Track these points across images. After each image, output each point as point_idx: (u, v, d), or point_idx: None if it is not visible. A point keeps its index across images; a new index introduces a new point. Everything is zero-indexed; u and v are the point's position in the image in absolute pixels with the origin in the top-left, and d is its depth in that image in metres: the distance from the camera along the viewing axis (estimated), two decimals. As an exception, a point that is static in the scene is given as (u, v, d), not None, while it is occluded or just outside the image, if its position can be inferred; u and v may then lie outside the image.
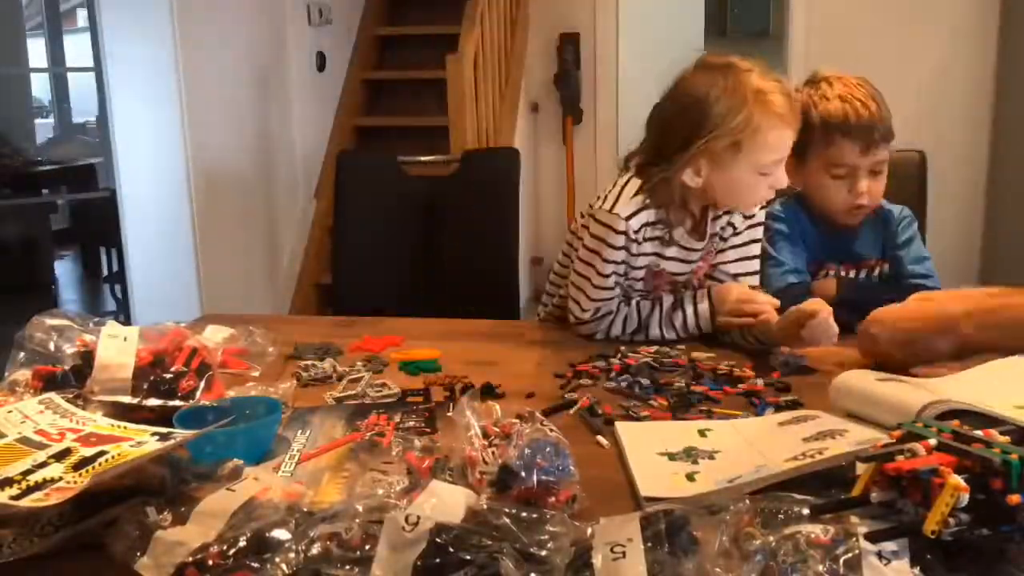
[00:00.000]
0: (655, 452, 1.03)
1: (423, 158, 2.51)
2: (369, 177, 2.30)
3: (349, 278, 2.26)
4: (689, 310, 1.53)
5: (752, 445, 1.02)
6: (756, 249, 1.62)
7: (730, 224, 1.60)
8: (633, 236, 1.51)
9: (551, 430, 0.91)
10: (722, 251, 1.61)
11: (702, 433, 1.09)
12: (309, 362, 1.41)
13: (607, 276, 1.52)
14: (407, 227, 2.25)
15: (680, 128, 1.45)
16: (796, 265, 1.66)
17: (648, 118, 1.55)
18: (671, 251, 1.56)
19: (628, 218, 1.49)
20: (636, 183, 1.52)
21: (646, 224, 1.51)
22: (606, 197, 1.54)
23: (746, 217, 1.60)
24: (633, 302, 1.56)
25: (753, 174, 1.45)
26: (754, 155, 1.43)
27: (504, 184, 2.25)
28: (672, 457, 1.02)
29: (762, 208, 1.60)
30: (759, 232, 1.62)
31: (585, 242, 1.55)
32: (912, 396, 1.00)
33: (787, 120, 1.43)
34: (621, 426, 1.11)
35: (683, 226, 1.55)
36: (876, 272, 1.72)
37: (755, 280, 1.61)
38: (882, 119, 1.66)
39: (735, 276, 1.60)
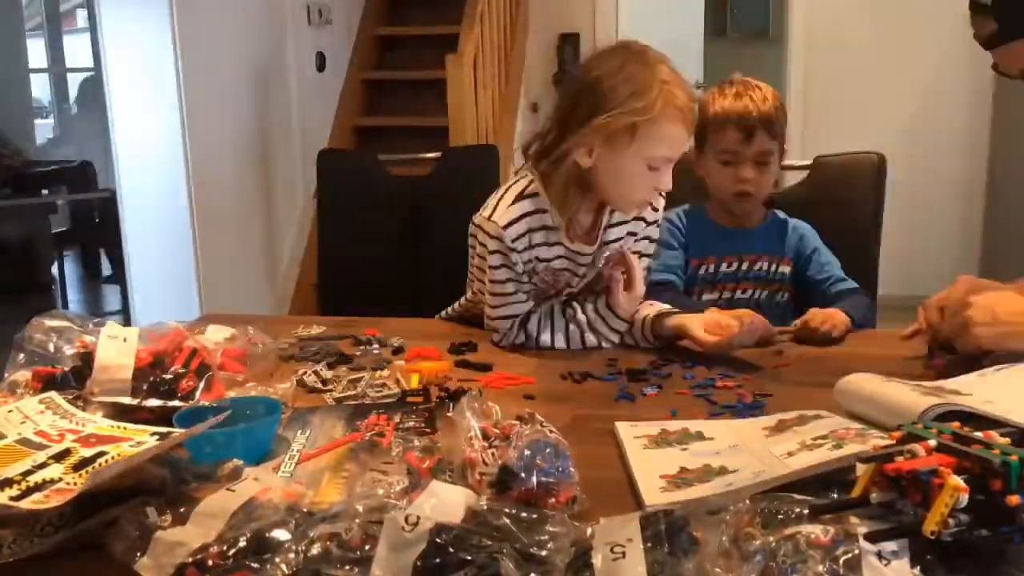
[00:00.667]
0: (656, 455, 1.03)
1: (403, 156, 2.51)
2: (351, 176, 2.30)
3: (335, 278, 2.26)
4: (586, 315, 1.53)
5: (752, 447, 1.02)
6: (648, 250, 1.64)
7: (630, 234, 1.59)
8: (511, 244, 1.49)
9: (551, 431, 0.91)
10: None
11: (701, 435, 1.09)
12: (310, 367, 1.41)
13: (503, 283, 1.52)
14: (390, 225, 2.26)
15: (584, 103, 1.44)
16: (668, 264, 1.79)
17: (557, 99, 1.58)
18: (557, 251, 1.53)
19: (505, 227, 1.49)
20: (518, 188, 1.52)
21: (529, 231, 1.50)
22: (484, 209, 1.55)
23: (647, 223, 1.60)
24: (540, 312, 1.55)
25: (642, 165, 1.43)
26: (647, 143, 1.41)
27: (485, 181, 2.26)
28: (673, 459, 1.02)
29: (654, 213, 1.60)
30: (653, 237, 1.64)
31: (477, 251, 1.58)
32: (922, 401, 1.00)
33: (685, 117, 1.43)
34: (621, 426, 1.11)
35: (572, 228, 1.53)
36: (775, 268, 1.83)
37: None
38: (766, 114, 1.74)
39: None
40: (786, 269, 1.83)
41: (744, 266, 1.82)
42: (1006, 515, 0.68)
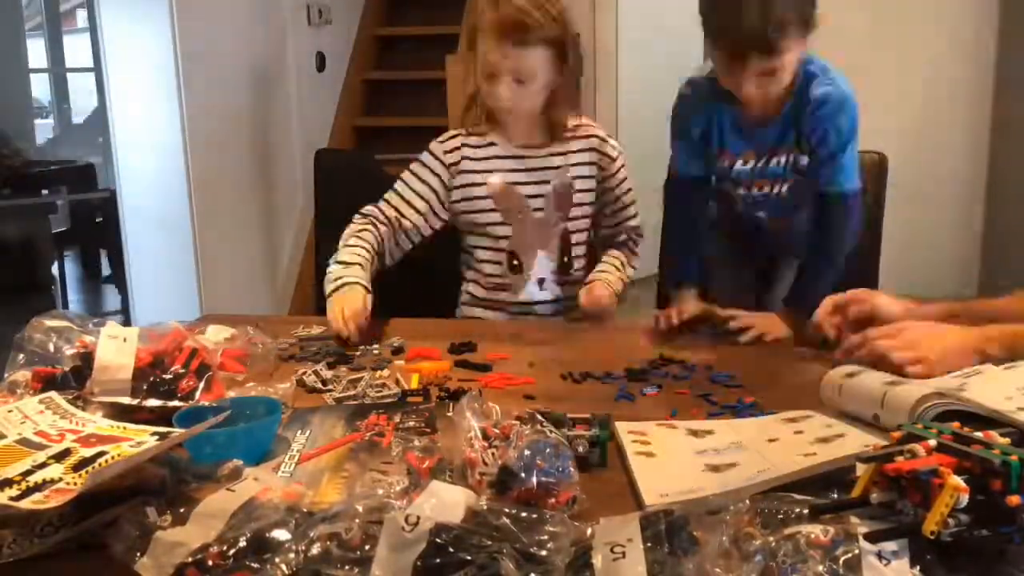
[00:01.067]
0: (657, 455, 1.03)
1: (401, 156, 2.52)
2: (348, 176, 2.30)
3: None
4: None
5: (752, 447, 1.02)
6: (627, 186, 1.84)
7: (599, 152, 1.79)
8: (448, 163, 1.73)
9: (551, 431, 0.91)
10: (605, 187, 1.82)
11: (701, 434, 1.09)
12: (310, 367, 1.41)
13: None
14: None
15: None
16: (690, 158, 1.73)
17: None
18: (507, 164, 1.73)
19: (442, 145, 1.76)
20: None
21: (464, 146, 1.73)
22: None
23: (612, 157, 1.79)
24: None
25: (482, 72, 1.62)
26: (480, 53, 1.61)
27: None
28: (674, 460, 1.02)
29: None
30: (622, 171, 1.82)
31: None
32: (914, 395, 1.00)
33: (496, 32, 1.59)
34: (621, 426, 1.11)
35: (509, 135, 1.75)
36: (793, 160, 1.66)
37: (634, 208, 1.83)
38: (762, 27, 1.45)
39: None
40: (792, 158, 1.65)
41: (760, 164, 1.67)
42: (1006, 515, 0.68)
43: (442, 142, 1.78)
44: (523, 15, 1.58)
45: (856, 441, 0.99)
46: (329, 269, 1.63)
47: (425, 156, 1.77)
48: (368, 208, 1.73)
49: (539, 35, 1.60)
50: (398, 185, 1.77)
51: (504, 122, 1.75)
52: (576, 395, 1.29)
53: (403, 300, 2.17)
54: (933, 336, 1.21)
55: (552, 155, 1.77)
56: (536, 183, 1.75)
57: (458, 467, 0.91)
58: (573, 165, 1.77)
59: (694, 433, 1.09)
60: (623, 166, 1.82)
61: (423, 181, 1.76)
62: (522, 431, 0.90)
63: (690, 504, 0.78)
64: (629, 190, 1.85)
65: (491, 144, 1.76)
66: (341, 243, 1.67)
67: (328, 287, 1.60)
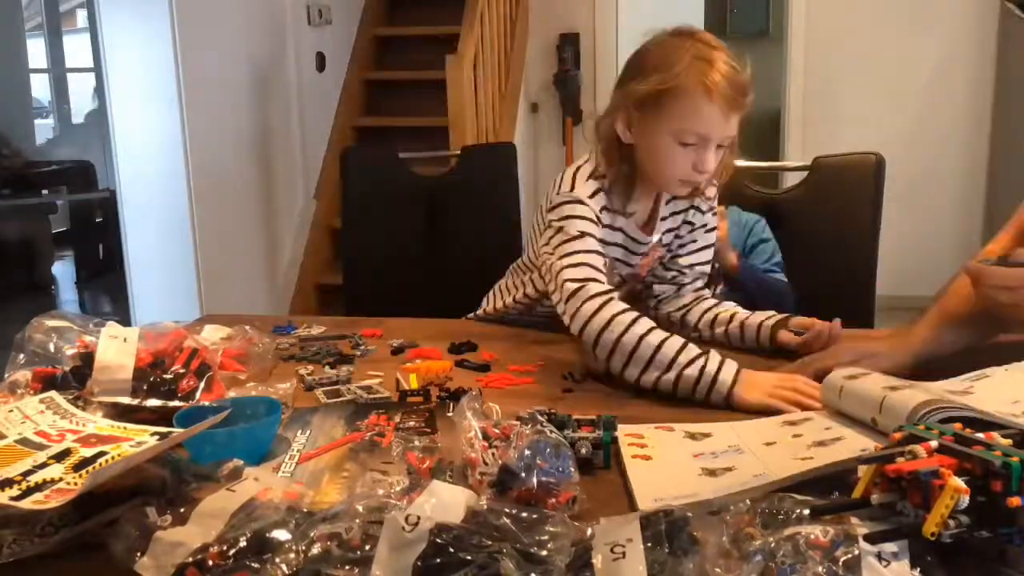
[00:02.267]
0: (653, 458, 1.03)
1: (422, 154, 2.53)
2: (373, 174, 2.30)
3: (361, 277, 2.27)
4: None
5: (750, 450, 1.02)
6: (709, 240, 1.62)
7: (686, 224, 1.59)
8: (598, 216, 1.45)
9: (551, 431, 0.91)
10: (681, 245, 1.61)
11: (699, 436, 1.09)
12: (314, 367, 1.41)
13: (581, 237, 1.41)
14: (411, 223, 2.27)
15: (625, 74, 1.45)
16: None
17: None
18: (617, 236, 1.51)
19: (591, 197, 1.45)
20: (587, 169, 1.49)
21: (603, 209, 1.47)
22: (559, 187, 1.49)
23: (702, 212, 1.59)
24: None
25: (672, 141, 1.39)
26: (674, 118, 1.37)
27: (503, 179, 2.28)
28: (671, 463, 1.02)
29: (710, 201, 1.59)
30: (711, 225, 1.62)
31: (549, 233, 1.44)
32: (912, 400, 1.00)
33: (714, 96, 1.35)
34: (620, 429, 1.11)
35: (634, 215, 1.52)
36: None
37: (707, 268, 1.64)
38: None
39: (690, 266, 1.60)
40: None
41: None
42: (1007, 516, 0.68)
43: (591, 196, 1.48)
44: (742, 77, 1.41)
45: (854, 444, 0.99)
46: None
47: (581, 208, 1.46)
48: (594, 286, 1.37)
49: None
50: (579, 243, 1.43)
51: (650, 201, 1.56)
52: (576, 395, 1.28)
53: (427, 299, 2.19)
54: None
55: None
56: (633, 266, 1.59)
57: (458, 467, 0.91)
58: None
59: (692, 436, 1.09)
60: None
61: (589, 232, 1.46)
62: (522, 431, 0.90)
63: (690, 505, 0.78)
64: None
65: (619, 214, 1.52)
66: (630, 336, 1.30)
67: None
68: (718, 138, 1.40)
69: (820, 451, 0.98)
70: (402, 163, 2.35)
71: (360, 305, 2.15)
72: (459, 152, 2.43)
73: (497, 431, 0.92)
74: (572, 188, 1.47)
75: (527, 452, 0.86)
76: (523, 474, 0.84)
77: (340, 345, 1.53)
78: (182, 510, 0.82)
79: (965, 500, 0.68)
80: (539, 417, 0.94)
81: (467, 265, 2.18)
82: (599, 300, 1.33)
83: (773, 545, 0.69)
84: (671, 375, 1.25)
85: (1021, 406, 0.97)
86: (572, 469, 0.87)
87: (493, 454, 0.88)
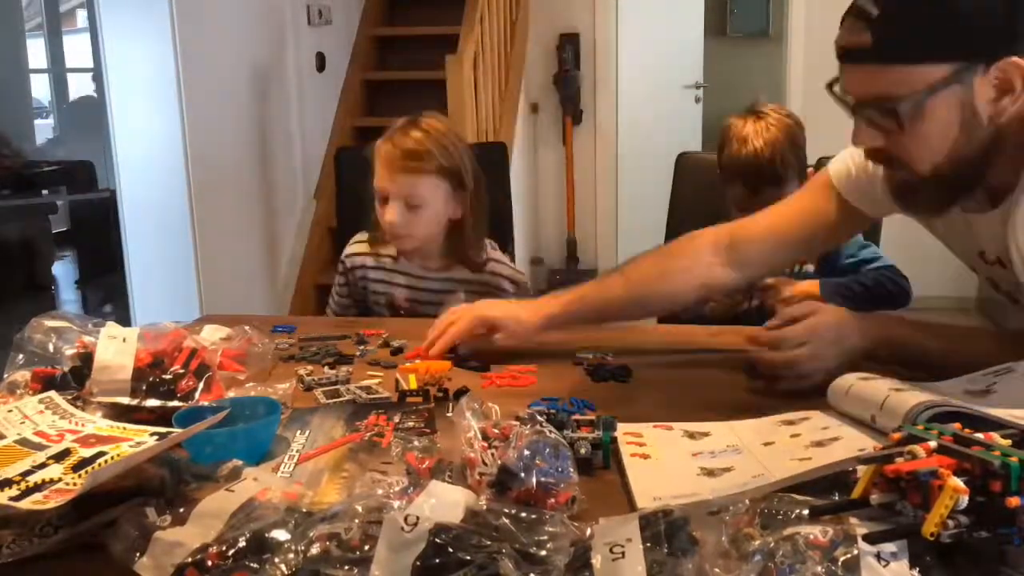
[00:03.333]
0: (652, 456, 1.03)
1: None
2: (368, 173, 2.30)
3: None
4: None
5: (749, 450, 1.02)
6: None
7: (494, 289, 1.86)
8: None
9: (550, 431, 0.91)
10: None
11: (698, 436, 1.09)
12: (313, 367, 1.41)
13: None
14: None
15: None
16: None
17: None
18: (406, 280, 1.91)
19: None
20: None
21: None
22: None
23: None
24: None
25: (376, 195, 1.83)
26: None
27: (493, 177, 2.27)
28: (670, 462, 1.02)
29: None
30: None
31: None
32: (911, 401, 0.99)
33: (383, 159, 1.81)
34: (620, 427, 1.11)
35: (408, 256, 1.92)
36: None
37: None
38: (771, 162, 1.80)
39: None
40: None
41: None
42: (1006, 517, 0.68)
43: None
44: (415, 144, 1.77)
45: (851, 445, 0.98)
46: None
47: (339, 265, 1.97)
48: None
49: (430, 165, 1.76)
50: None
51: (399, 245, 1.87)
52: (577, 395, 1.28)
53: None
54: (831, 343, 1.21)
55: (449, 280, 1.86)
56: (434, 304, 1.75)
57: (457, 467, 0.91)
58: (466, 292, 1.77)
59: (690, 435, 1.09)
60: None
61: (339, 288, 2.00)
62: (521, 431, 0.90)
63: (689, 505, 0.78)
64: None
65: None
66: None
67: None
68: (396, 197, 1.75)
69: (818, 451, 0.98)
70: None
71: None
72: None
73: (497, 431, 0.92)
74: None
75: (526, 452, 0.86)
76: (522, 474, 0.84)
77: (340, 345, 1.52)
78: (181, 510, 0.82)
79: (964, 500, 0.68)
80: (538, 417, 0.94)
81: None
82: None
83: (772, 545, 0.69)
84: None
85: None
86: (571, 469, 0.87)
87: (492, 454, 0.88)
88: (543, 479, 0.84)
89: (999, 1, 1.04)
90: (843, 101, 1.16)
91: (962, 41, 1.05)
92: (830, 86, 1.17)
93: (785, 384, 1.22)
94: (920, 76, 1.06)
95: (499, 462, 0.86)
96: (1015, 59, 1.04)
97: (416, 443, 0.98)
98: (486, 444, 0.91)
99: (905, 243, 2.00)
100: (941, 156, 1.10)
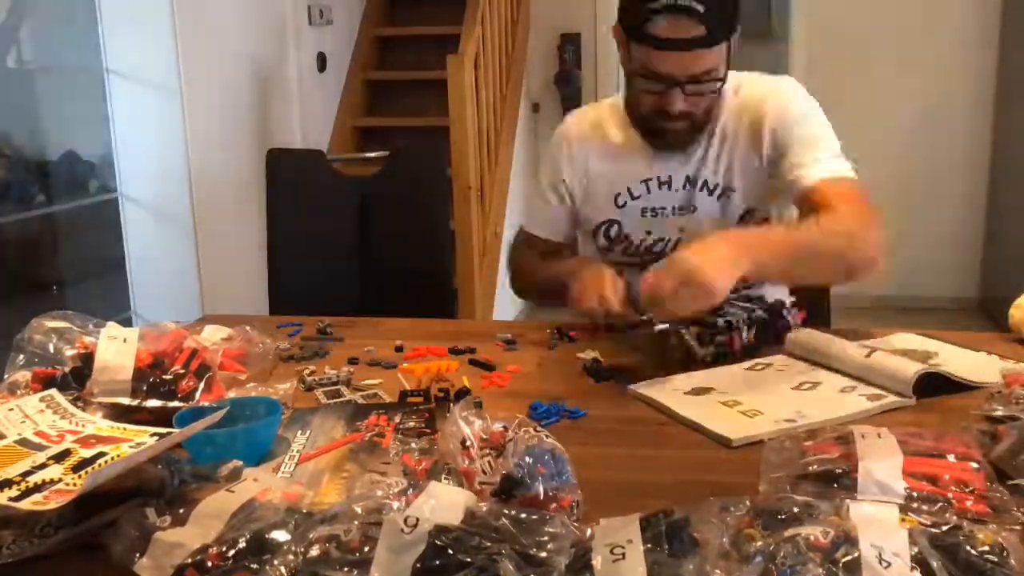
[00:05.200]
0: (696, 403, 1.17)
1: (351, 156, 2.54)
2: (300, 175, 2.30)
3: (285, 277, 2.26)
4: None
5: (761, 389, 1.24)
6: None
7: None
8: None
9: (546, 436, 0.91)
10: None
11: (701, 391, 1.22)
12: (314, 367, 1.40)
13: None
14: (340, 225, 2.26)
15: None
16: None
17: None
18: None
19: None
20: None
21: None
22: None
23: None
24: None
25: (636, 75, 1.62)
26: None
27: (432, 182, 2.29)
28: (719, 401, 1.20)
29: None
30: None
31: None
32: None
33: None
34: (641, 387, 1.24)
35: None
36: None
37: None
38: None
39: None
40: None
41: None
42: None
43: None
44: None
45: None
46: None
47: None
48: None
49: None
50: None
51: None
52: (578, 396, 1.28)
53: (352, 301, 2.19)
54: (698, 252, 1.27)
55: None
56: None
57: (456, 470, 0.90)
58: None
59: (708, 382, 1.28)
60: None
61: None
62: (519, 436, 0.90)
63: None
64: None
65: None
66: None
67: None
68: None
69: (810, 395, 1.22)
70: (328, 164, 2.35)
71: (284, 306, 2.14)
72: (388, 154, 2.43)
73: (485, 437, 0.92)
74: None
75: (527, 459, 0.86)
76: (527, 480, 0.84)
77: (340, 345, 1.52)
78: (181, 511, 0.82)
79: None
80: (531, 422, 0.93)
81: (392, 266, 2.20)
82: None
83: (773, 547, 0.69)
84: None
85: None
86: (572, 475, 0.87)
87: (489, 463, 0.88)
88: (547, 485, 0.84)
89: None
90: (667, 80, 1.47)
91: (735, 21, 1.50)
92: (637, 75, 1.52)
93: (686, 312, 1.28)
94: (722, 51, 1.47)
95: (502, 471, 0.86)
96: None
97: (414, 445, 0.98)
98: (482, 453, 0.90)
99: (905, 242, 2.01)
100: (713, 101, 1.55)
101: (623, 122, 1.67)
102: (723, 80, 1.51)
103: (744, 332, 1.39)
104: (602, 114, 1.73)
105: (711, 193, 1.60)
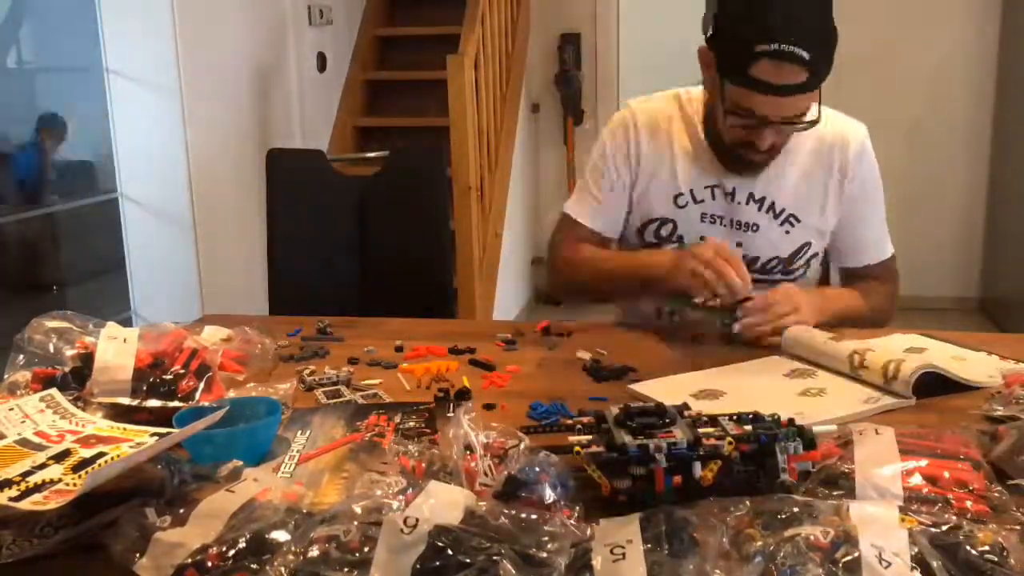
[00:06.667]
0: (696, 406, 1.13)
1: (351, 156, 2.54)
2: (299, 175, 2.30)
3: (285, 277, 2.26)
4: None
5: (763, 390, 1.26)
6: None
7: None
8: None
9: (547, 453, 0.90)
10: None
11: (702, 393, 1.22)
12: (314, 367, 1.40)
13: None
14: (339, 225, 2.26)
15: None
16: None
17: None
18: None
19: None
20: None
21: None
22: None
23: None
24: None
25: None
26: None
27: (431, 182, 2.28)
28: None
29: None
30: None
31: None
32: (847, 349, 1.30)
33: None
34: (641, 386, 1.26)
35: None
36: None
37: None
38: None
39: None
40: None
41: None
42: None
43: None
44: None
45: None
46: None
47: None
48: None
49: None
50: None
51: None
52: (578, 396, 1.28)
53: (352, 300, 2.19)
54: (802, 299, 1.49)
55: None
56: None
57: (456, 471, 0.90)
58: None
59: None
60: None
61: None
62: (519, 445, 0.89)
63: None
64: None
65: None
66: None
67: None
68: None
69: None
70: (329, 164, 2.35)
71: (285, 307, 2.14)
72: (387, 154, 2.43)
73: (487, 441, 0.92)
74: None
75: (530, 465, 0.85)
76: (530, 481, 0.84)
77: (340, 345, 1.52)
78: (181, 511, 0.82)
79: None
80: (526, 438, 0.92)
81: (391, 266, 2.20)
82: None
83: (773, 547, 0.69)
84: None
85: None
86: (573, 487, 0.87)
87: (491, 467, 0.88)
88: (550, 491, 0.84)
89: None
90: (761, 119, 1.47)
91: (832, 62, 1.48)
92: (731, 112, 1.49)
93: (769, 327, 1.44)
94: (817, 93, 1.47)
95: (506, 472, 0.86)
96: None
97: (412, 448, 0.98)
98: (485, 455, 0.90)
99: (905, 242, 2.00)
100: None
101: (692, 120, 1.65)
102: (816, 122, 1.49)
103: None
104: (670, 109, 1.68)
105: (776, 217, 1.61)
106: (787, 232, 1.61)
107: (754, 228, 1.62)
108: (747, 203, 1.61)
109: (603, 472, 0.86)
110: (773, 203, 1.61)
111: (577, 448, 0.88)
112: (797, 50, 1.38)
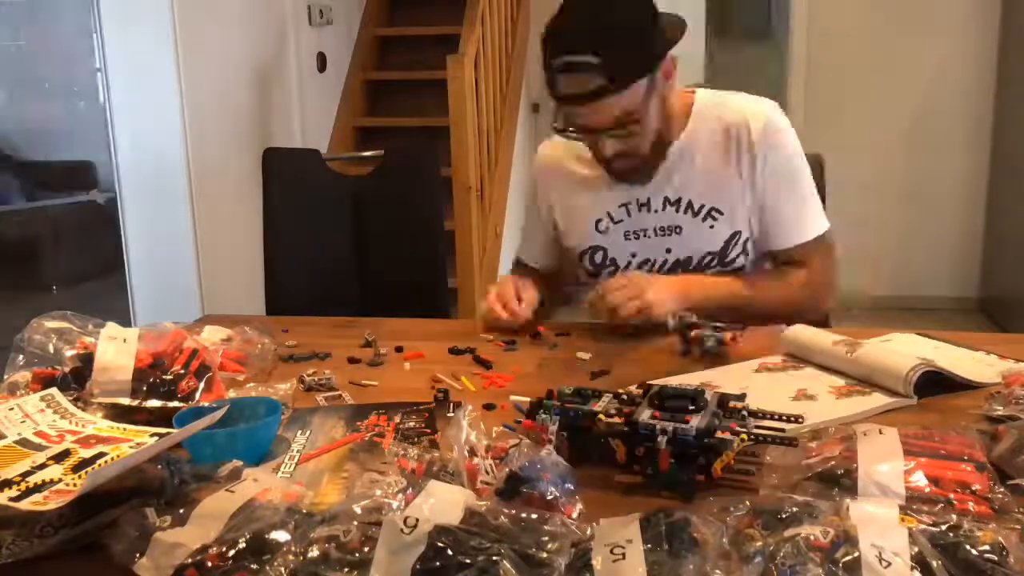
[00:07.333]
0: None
1: (346, 155, 2.55)
2: (296, 175, 2.30)
3: (282, 277, 2.26)
4: None
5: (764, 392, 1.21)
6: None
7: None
8: None
9: (548, 452, 0.90)
10: None
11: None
12: (314, 367, 1.40)
13: None
14: (336, 224, 2.27)
15: None
16: None
17: None
18: None
19: None
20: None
21: None
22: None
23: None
24: None
25: None
26: None
27: (425, 181, 2.30)
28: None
29: None
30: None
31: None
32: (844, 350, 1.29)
33: None
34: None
35: None
36: None
37: None
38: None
39: None
40: None
41: None
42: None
43: None
44: None
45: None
46: None
47: None
48: None
49: None
50: None
51: None
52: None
53: (350, 300, 2.19)
54: (649, 283, 1.50)
55: None
56: None
57: (456, 471, 0.90)
58: None
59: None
60: None
61: None
62: (521, 445, 0.89)
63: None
64: None
65: None
66: None
67: None
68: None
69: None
70: (324, 164, 2.35)
71: (284, 306, 2.14)
72: (382, 153, 2.43)
73: (488, 443, 0.92)
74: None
75: (530, 463, 0.85)
76: (532, 478, 0.84)
77: (341, 346, 1.52)
78: (181, 511, 0.82)
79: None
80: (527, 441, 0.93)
81: (386, 265, 2.21)
82: None
83: (773, 547, 0.69)
84: None
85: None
86: (574, 486, 0.87)
87: (491, 466, 0.88)
88: (551, 489, 0.84)
89: (649, 21, 1.48)
90: (585, 130, 1.51)
91: (650, 58, 1.48)
92: (561, 131, 1.54)
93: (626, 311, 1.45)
94: (637, 92, 1.46)
95: (507, 469, 0.86)
96: (669, 55, 1.52)
97: (411, 450, 0.98)
98: (486, 455, 0.90)
99: (905, 242, 2.00)
100: (653, 135, 1.55)
101: (583, 148, 1.65)
102: (645, 119, 1.50)
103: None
104: (562, 143, 1.70)
105: (696, 214, 1.61)
106: (711, 227, 1.60)
107: (678, 231, 1.62)
108: (664, 209, 1.62)
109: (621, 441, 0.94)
110: (690, 201, 1.60)
111: (600, 415, 0.97)
112: (585, 58, 1.41)
